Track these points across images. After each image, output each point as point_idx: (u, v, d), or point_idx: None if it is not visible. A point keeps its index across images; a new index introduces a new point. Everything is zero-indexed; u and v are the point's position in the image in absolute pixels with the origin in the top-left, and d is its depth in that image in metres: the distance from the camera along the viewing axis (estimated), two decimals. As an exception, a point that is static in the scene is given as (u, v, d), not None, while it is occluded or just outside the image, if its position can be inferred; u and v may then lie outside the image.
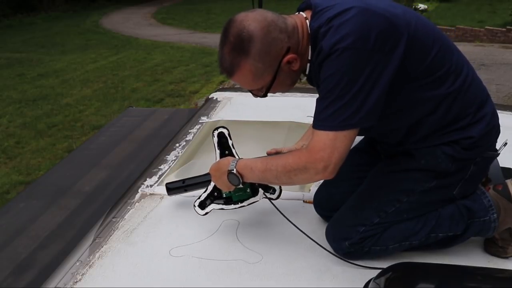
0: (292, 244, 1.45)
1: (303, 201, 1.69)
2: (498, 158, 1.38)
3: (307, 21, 1.26)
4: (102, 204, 1.86)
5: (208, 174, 1.49)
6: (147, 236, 1.51)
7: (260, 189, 1.49)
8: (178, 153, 2.10)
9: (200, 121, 2.49)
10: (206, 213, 1.50)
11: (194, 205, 1.50)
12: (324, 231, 1.43)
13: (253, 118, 2.44)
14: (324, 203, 1.56)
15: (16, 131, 5.53)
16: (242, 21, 1.21)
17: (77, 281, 1.31)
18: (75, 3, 18.38)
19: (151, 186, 1.81)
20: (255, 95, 1.36)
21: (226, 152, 1.51)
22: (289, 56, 1.24)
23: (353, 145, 1.26)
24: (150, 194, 1.77)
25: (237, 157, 1.49)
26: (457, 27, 9.98)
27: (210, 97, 2.96)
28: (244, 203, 1.49)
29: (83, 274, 1.34)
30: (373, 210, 1.35)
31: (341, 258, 1.36)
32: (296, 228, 1.42)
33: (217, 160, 1.48)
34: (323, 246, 1.39)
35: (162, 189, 1.71)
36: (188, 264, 1.37)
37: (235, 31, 1.21)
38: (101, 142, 2.62)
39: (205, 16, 14.87)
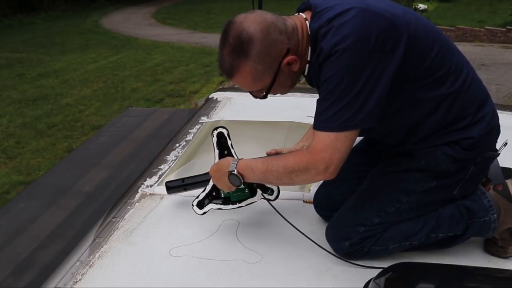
0: (292, 244, 1.44)
1: (303, 201, 1.69)
2: (498, 158, 1.38)
3: (307, 22, 1.26)
4: (102, 204, 1.86)
5: (207, 173, 1.49)
6: (147, 236, 1.51)
7: (258, 190, 1.49)
8: (178, 153, 2.10)
9: (200, 121, 2.49)
10: (204, 213, 1.50)
11: (193, 205, 1.50)
12: (324, 231, 1.43)
13: (253, 118, 2.43)
14: (324, 203, 1.56)
15: (16, 131, 5.53)
16: (242, 23, 1.21)
17: (77, 281, 1.31)
18: (75, 3, 18.37)
19: (151, 186, 1.81)
20: (255, 97, 1.36)
21: (225, 152, 1.51)
22: (289, 58, 1.24)
23: (353, 145, 1.26)
24: (150, 194, 1.77)
25: (236, 157, 1.49)
26: (457, 27, 9.98)
27: (210, 97, 2.96)
28: (242, 204, 1.49)
29: (83, 274, 1.34)
30: (373, 210, 1.35)
31: (341, 258, 1.36)
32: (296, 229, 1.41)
33: (216, 161, 1.48)
34: (323, 246, 1.38)
35: (162, 189, 1.71)
36: (188, 264, 1.37)
37: (234, 33, 1.21)
38: (101, 142, 2.62)
39: (205, 16, 14.88)
